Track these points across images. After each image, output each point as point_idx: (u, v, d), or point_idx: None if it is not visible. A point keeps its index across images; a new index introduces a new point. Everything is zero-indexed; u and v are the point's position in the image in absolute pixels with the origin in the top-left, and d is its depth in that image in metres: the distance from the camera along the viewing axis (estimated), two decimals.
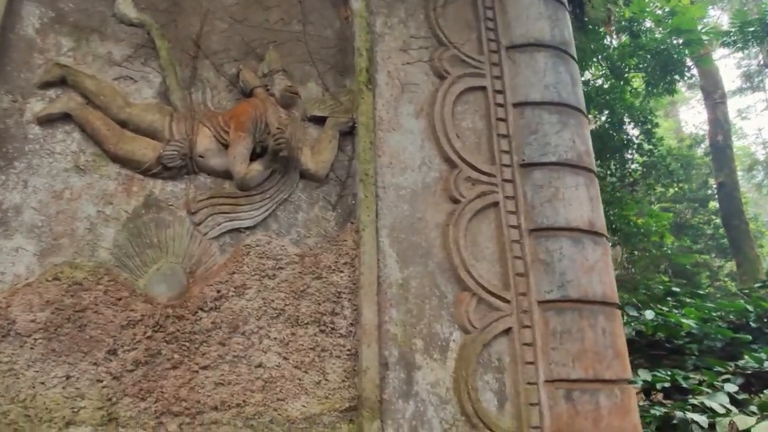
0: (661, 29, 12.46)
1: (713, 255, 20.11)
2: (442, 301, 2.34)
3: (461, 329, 2.32)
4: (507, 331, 2.39)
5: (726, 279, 18.32)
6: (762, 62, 21.98)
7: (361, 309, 2.16)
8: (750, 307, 8.68)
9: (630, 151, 11.60)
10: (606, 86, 12.03)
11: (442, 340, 2.28)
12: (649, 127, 11.02)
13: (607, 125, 12.52)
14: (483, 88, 2.76)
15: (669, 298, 11.17)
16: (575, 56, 3.01)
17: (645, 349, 9.46)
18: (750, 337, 7.93)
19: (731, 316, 9.12)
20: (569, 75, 2.88)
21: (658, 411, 6.32)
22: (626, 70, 12.39)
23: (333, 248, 2.26)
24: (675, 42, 12.03)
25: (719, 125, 16.73)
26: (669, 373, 7.27)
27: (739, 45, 13.30)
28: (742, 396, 6.40)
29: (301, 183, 2.33)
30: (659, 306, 10.58)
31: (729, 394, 6.36)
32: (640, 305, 10.59)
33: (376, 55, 2.60)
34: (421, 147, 2.54)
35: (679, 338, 8.83)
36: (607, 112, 11.42)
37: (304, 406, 2.02)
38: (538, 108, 2.75)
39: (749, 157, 27.00)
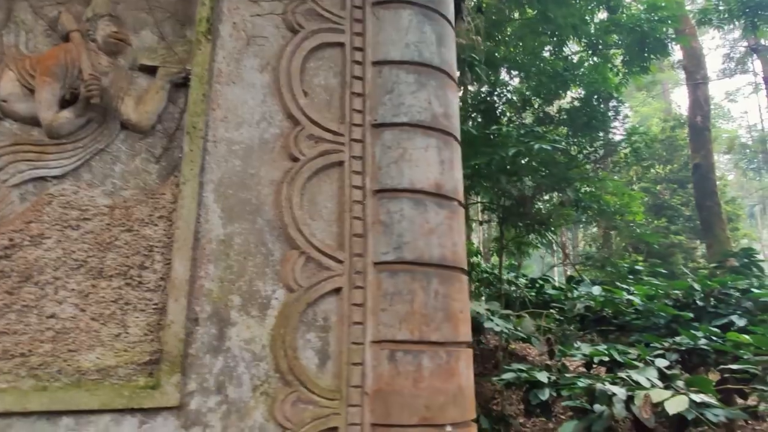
0: (638, 5, 12.28)
1: (689, 236, 20.26)
2: (267, 258, 2.30)
3: (286, 287, 2.29)
4: (337, 291, 2.36)
5: (701, 260, 18.54)
6: (748, 45, 21.72)
7: (172, 263, 2.13)
8: (697, 286, 8.75)
9: (598, 129, 11.51)
10: (577, 61, 11.89)
11: (263, 297, 2.25)
12: (615, 104, 10.93)
13: (577, 102, 12.41)
14: (341, 45, 2.67)
15: (631, 276, 11.26)
16: (449, 15, 2.92)
17: (594, 324, 9.59)
18: (691, 315, 8.02)
19: (679, 295, 9.21)
20: (435, 34, 2.79)
21: (582, 383, 6.43)
22: (604, 47, 12.24)
23: (149, 201, 2.21)
24: (652, 18, 11.84)
25: (699, 106, 16.63)
26: (605, 348, 7.38)
27: (716, 23, 13.13)
28: (672, 371, 6.50)
29: (123, 134, 2.26)
30: (617, 284, 10.67)
31: (659, 369, 6.46)
32: (590, 281, 10.63)
33: (222, 5, 2.51)
34: (263, 102, 2.47)
35: (626, 314, 8.93)
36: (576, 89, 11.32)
37: (98, 357, 2.00)
38: (396, 67, 2.67)
39: (733, 141, 26.89)
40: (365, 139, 2.58)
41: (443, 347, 2.37)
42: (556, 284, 12.61)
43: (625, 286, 9.66)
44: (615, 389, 5.87)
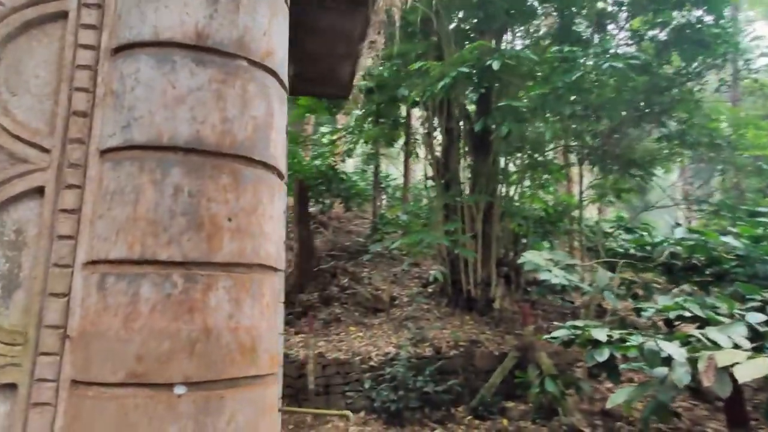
0: None
1: None
2: None
3: None
4: (39, 192, 1.64)
5: None
6: None
7: None
8: None
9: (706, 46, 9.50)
10: None
11: None
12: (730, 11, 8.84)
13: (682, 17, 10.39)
14: None
15: (750, 219, 9.33)
16: None
17: (683, 274, 8.04)
18: None
19: None
20: None
21: (634, 341, 5.27)
22: None
23: None
24: None
25: None
26: (682, 300, 6.04)
27: None
28: (766, 329, 5.10)
29: None
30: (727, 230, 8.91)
31: (750, 326, 5.10)
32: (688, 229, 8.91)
33: None
34: None
35: (724, 262, 7.31)
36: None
37: None
38: None
39: None
40: None
41: (180, 269, 1.55)
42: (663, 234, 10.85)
43: (733, 230, 7.90)
44: (671, 349, 4.63)
